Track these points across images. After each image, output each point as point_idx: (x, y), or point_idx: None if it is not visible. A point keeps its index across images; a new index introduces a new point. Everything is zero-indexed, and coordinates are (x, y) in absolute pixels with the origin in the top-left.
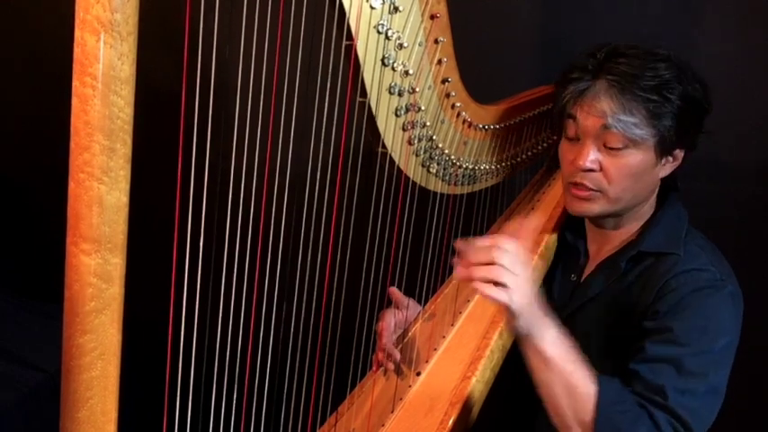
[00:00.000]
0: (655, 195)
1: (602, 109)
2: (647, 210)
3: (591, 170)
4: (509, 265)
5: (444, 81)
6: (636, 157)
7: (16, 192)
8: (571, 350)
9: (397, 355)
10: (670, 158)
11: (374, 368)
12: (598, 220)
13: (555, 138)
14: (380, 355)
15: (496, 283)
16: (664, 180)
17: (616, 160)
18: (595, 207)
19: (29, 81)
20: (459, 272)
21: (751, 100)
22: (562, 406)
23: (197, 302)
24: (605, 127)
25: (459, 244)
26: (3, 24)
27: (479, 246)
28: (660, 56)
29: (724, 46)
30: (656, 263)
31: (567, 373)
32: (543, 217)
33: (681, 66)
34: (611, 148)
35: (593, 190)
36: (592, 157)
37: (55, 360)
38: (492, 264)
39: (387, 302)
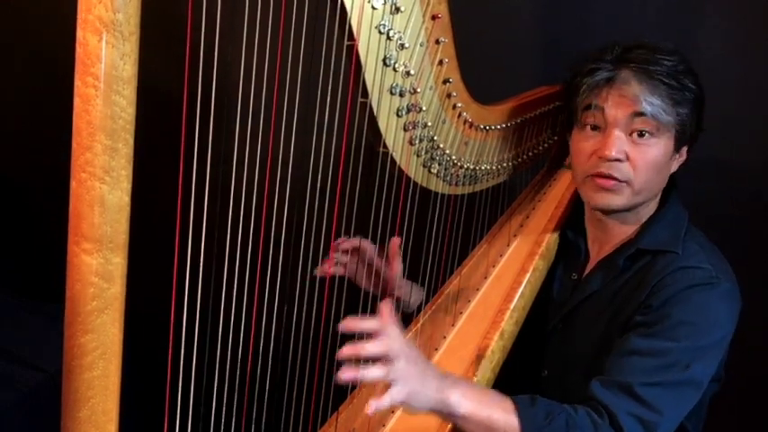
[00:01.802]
0: (660, 194)
1: (633, 93)
2: (650, 208)
3: (618, 160)
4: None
5: (446, 81)
6: (659, 148)
7: (16, 192)
8: (479, 395)
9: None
10: (677, 155)
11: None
12: (605, 215)
13: (556, 138)
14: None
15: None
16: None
17: (642, 150)
18: (619, 199)
19: (29, 81)
20: (344, 373)
21: (751, 100)
22: None
23: (198, 302)
24: (636, 112)
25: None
26: (3, 24)
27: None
28: (668, 48)
29: (724, 46)
30: (654, 260)
31: (484, 419)
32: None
33: (687, 59)
34: (640, 135)
35: (619, 180)
36: (619, 146)
37: (55, 360)
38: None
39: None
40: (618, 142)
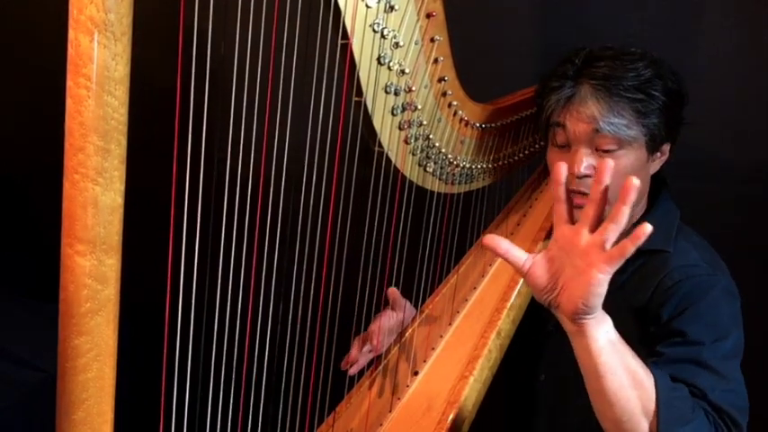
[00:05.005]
0: (647, 195)
1: (590, 113)
2: (640, 209)
3: (586, 176)
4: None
5: (441, 80)
6: (629, 158)
7: (17, 191)
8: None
9: (361, 363)
10: (658, 154)
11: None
12: None
13: (543, 143)
14: (353, 354)
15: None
16: (655, 177)
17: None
18: None
19: (29, 81)
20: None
21: (750, 100)
22: (629, 397)
23: (193, 303)
24: (596, 131)
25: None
26: (2, 24)
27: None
28: (636, 55)
29: (724, 46)
30: (648, 261)
31: (629, 357)
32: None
33: (657, 61)
34: (605, 151)
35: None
36: (585, 162)
37: (55, 360)
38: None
39: (384, 303)
40: (584, 159)
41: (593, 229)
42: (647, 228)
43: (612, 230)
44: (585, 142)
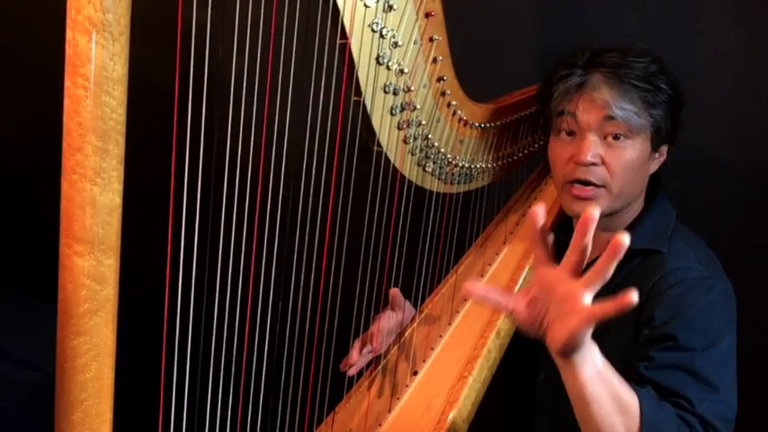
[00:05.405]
0: (643, 194)
1: (603, 99)
2: (636, 209)
3: (593, 164)
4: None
5: (440, 79)
6: (635, 149)
7: (17, 191)
8: (610, 365)
9: (360, 364)
10: (657, 154)
11: (343, 366)
12: None
13: (542, 142)
14: (353, 356)
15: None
16: (650, 177)
17: (617, 153)
18: (599, 205)
19: (30, 80)
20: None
21: (749, 99)
22: (614, 423)
23: (191, 304)
24: (608, 117)
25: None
26: (2, 24)
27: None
28: (640, 50)
29: (723, 46)
30: (643, 263)
31: (614, 385)
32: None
33: (659, 59)
34: (615, 138)
35: (596, 186)
36: (594, 150)
37: (55, 360)
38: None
39: (384, 302)
40: (592, 146)
41: (575, 274)
42: (634, 296)
43: (596, 283)
44: (595, 129)
